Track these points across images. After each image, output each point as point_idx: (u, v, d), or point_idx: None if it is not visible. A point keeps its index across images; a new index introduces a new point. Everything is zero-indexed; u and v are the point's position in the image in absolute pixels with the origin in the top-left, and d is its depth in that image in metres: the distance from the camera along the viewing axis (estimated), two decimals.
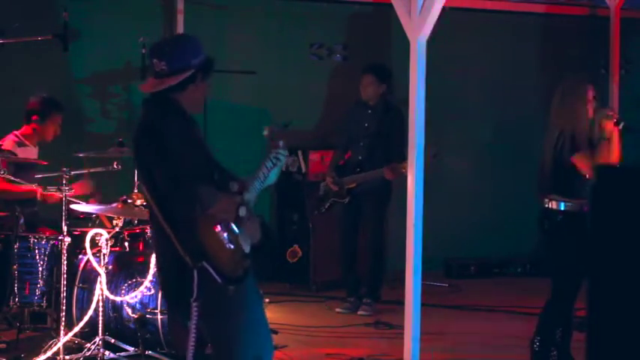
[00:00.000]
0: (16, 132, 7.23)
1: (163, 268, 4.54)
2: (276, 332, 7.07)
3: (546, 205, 6.02)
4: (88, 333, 6.23)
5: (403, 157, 7.45)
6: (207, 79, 4.49)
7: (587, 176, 5.92)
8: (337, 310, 8.17)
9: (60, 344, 6.10)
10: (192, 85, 4.42)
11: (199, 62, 4.43)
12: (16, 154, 6.99)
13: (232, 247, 4.34)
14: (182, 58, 4.41)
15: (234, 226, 4.37)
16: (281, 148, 4.57)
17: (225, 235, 4.33)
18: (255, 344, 4.49)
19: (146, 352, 6.15)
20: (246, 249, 4.44)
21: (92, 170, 6.78)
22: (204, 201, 4.26)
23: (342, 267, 8.35)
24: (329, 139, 9.29)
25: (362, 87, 8.16)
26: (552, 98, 6.07)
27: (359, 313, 8.01)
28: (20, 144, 7.16)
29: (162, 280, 4.60)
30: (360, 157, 8.11)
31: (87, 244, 6.26)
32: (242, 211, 4.40)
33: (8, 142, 7.12)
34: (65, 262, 6.24)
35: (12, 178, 6.70)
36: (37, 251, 6.49)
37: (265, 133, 4.65)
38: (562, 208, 6.03)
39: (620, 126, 6.12)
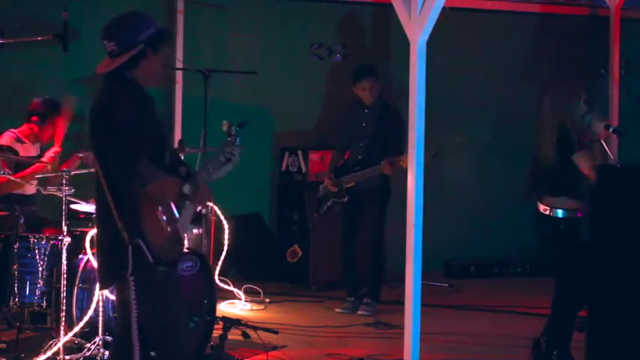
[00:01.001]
0: (13, 130, 7.24)
1: (101, 242, 4.63)
2: (276, 332, 7.06)
3: (542, 211, 6.04)
4: (88, 333, 6.22)
5: (401, 152, 7.46)
6: (159, 52, 4.59)
7: (587, 175, 5.92)
8: (337, 310, 8.17)
9: (60, 344, 6.09)
10: (144, 61, 4.54)
11: (147, 37, 4.54)
12: (16, 150, 7.00)
13: (169, 229, 4.46)
14: (129, 35, 4.56)
15: (174, 210, 4.48)
16: (237, 145, 4.64)
17: (164, 217, 4.44)
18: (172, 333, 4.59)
19: None
20: (183, 234, 4.58)
21: (92, 170, 6.77)
22: (145, 177, 4.37)
23: (342, 266, 8.34)
24: (329, 139, 9.28)
25: (363, 91, 8.10)
26: (544, 99, 6.11)
27: (359, 313, 8.00)
28: (18, 140, 7.17)
29: (99, 254, 4.68)
30: (359, 157, 8.11)
31: (87, 244, 6.25)
32: (186, 189, 4.49)
33: (6, 138, 7.13)
34: (65, 262, 6.24)
35: (12, 178, 6.70)
36: (37, 251, 6.49)
37: (224, 127, 4.69)
38: (560, 216, 6.03)
39: (611, 130, 6.15)
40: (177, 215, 4.50)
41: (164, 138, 4.63)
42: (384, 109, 8.12)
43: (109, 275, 4.61)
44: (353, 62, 9.79)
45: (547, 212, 6.09)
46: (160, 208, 4.44)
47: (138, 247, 4.41)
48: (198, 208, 4.73)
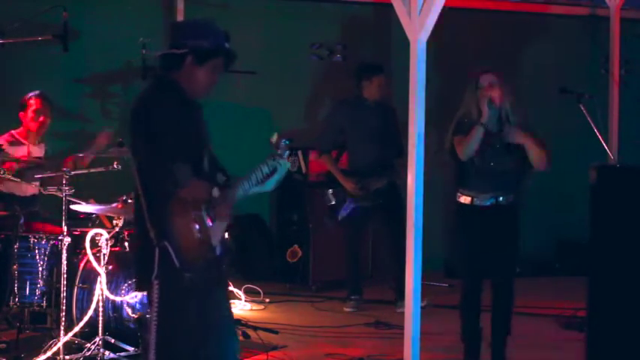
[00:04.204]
0: (12, 131, 7.25)
1: (135, 244, 4.63)
2: (276, 332, 7.07)
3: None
4: (88, 333, 6.22)
5: (402, 152, 7.43)
6: (205, 66, 4.51)
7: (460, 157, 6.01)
8: (346, 309, 8.12)
9: (60, 344, 6.09)
10: (185, 67, 4.48)
11: (194, 45, 4.48)
12: (7, 153, 6.96)
13: (200, 235, 4.40)
14: (178, 37, 4.53)
15: (206, 217, 4.42)
16: (283, 158, 4.56)
17: (196, 222, 4.37)
18: (197, 343, 4.51)
19: None
20: (215, 242, 4.49)
21: (92, 170, 6.78)
22: (177, 180, 4.31)
23: (350, 266, 8.25)
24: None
25: (377, 87, 8.05)
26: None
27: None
28: (13, 143, 7.16)
29: (133, 256, 4.65)
30: (374, 157, 8.02)
31: (87, 244, 6.26)
32: (215, 192, 4.44)
33: (1, 140, 7.13)
34: (65, 262, 6.24)
35: (12, 178, 6.70)
36: (37, 251, 6.49)
37: (273, 140, 4.60)
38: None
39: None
40: (210, 222, 4.44)
41: (202, 143, 4.55)
42: (385, 107, 8.11)
43: (140, 277, 4.56)
44: (353, 62, 9.80)
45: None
46: (193, 214, 4.36)
47: (165, 250, 4.34)
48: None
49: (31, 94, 7.28)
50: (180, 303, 4.45)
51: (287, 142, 4.58)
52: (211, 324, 4.56)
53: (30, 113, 7.23)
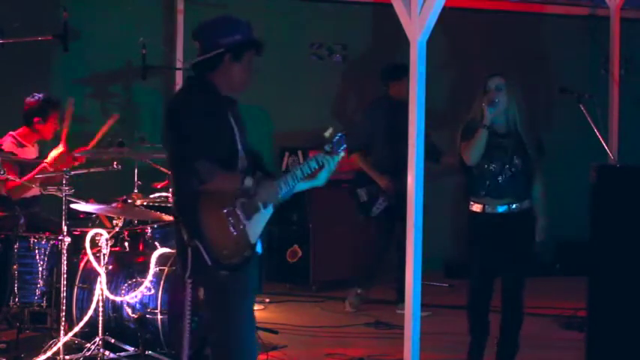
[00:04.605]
0: (12, 133, 7.23)
1: (175, 243, 4.59)
2: (276, 332, 7.07)
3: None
4: (88, 333, 6.22)
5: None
6: (241, 60, 4.53)
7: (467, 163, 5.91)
8: (347, 309, 8.12)
9: (60, 344, 6.09)
10: (222, 66, 4.49)
11: (229, 42, 4.50)
12: (15, 155, 6.99)
13: (235, 232, 4.34)
14: (211, 38, 4.54)
15: (241, 214, 4.36)
16: (336, 153, 4.51)
17: (230, 219, 4.32)
18: (247, 341, 4.48)
19: (146, 352, 6.14)
20: (253, 239, 4.43)
21: (92, 170, 6.78)
22: (202, 176, 4.29)
23: (374, 263, 8.20)
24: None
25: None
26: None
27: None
28: (19, 145, 7.17)
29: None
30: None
31: (87, 244, 6.25)
32: (248, 182, 4.38)
33: (7, 144, 7.12)
34: (65, 262, 6.24)
35: (11, 178, 6.69)
36: (37, 251, 6.49)
37: (327, 133, 4.54)
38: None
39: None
40: (246, 219, 4.40)
41: (237, 143, 4.51)
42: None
43: (182, 277, 4.51)
44: (353, 62, 9.81)
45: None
46: (225, 210, 4.35)
47: (196, 249, 4.32)
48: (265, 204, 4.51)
49: (51, 103, 7.24)
50: (215, 300, 4.42)
51: (342, 136, 4.52)
52: (248, 323, 4.51)
53: (52, 124, 7.23)
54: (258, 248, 4.53)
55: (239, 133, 4.54)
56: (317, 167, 4.51)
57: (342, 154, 4.52)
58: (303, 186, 4.57)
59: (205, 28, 4.60)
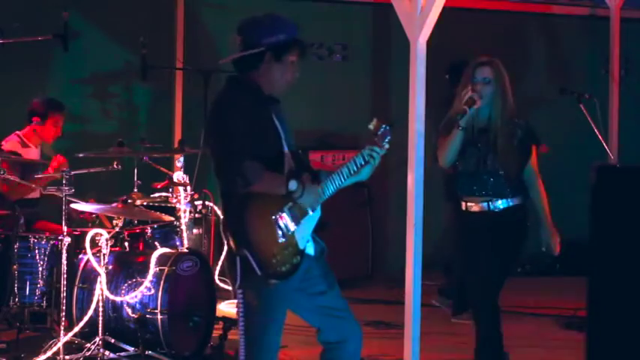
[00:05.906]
0: (18, 132, 7.28)
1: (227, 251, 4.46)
2: None
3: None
4: (88, 333, 6.22)
5: None
6: (283, 60, 4.47)
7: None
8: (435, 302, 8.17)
9: (60, 344, 6.09)
10: (263, 65, 4.43)
11: (272, 42, 4.42)
12: (20, 155, 7.01)
13: (284, 240, 4.28)
14: (253, 35, 4.44)
15: (289, 219, 4.29)
16: (382, 146, 4.43)
17: (278, 224, 4.25)
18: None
19: (146, 352, 6.14)
20: (301, 244, 4.38)
21: (92, 170, 6.78)
22: (246, 177, 4.19)
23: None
24: (329, 139, 9.27)
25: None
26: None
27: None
28: (23, 144, 7.19)
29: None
30: None
31: (87, 244, 6.25)
32: (292, 185, 4.31)
33: (12, 143, 7.14)
34: (65, 262, 6.24)
35: (10, 178, 6.70)
36: (37, 251, 6.49)
37: (371, 126, 4.46)
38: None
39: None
40: (293, 226, 4.31)
41: (282, 143, 4.44)
42: None
43: (232, 286, 4.42)
44: (353, 62, 9.80)
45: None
46: (273, 217, 4.25)
47: (245, 258, 4.20)
48: (310, 211, 4.43)
49: (52, 105, 7.26)
50: (268, 311, 4.33)
51: (387, 128, 4.44)
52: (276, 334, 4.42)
53: (52, 127, 7.24)
54: (310, 250, 4.45)
55: (284, 134, 4.47)
56: (363, 163, 4.43)
57: (387, 146, 4.44)
58: (347, 182, 4.50)
59: (250, 24, 4.50)
